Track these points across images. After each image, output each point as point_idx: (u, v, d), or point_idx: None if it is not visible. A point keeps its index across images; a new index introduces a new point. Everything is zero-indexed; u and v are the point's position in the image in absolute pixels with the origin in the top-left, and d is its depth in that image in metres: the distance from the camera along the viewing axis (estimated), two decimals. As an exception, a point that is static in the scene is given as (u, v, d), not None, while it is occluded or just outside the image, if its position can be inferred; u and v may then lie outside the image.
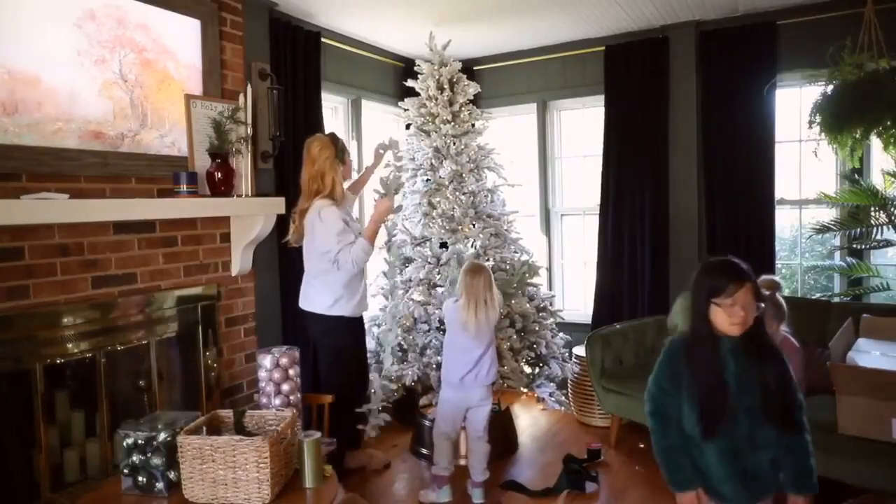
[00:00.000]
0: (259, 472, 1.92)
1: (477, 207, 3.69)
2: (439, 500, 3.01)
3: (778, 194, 3.95)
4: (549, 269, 4.92)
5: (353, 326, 3.18)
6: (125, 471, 2.07)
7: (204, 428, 2.09)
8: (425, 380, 3.45)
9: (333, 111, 4.39)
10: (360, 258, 3.00)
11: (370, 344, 3.54)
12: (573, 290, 5.01)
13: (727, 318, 1.77)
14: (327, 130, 3.89)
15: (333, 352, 3.14)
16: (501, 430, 3.71)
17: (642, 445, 3.68)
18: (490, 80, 4.91)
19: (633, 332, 3.92)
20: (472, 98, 3.84)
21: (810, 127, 3.15)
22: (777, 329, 2.90)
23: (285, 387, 2.81)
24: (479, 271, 2.96)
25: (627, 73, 4.29)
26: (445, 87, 3.70)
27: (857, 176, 3.66)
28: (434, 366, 3.44)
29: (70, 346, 2.51)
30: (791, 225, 4.40)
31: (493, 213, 3.74)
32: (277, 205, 3.13)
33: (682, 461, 1.90)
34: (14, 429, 2.40)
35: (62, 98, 2.44)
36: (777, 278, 3.04)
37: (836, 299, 3.65)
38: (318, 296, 3.10)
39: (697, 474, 1.88)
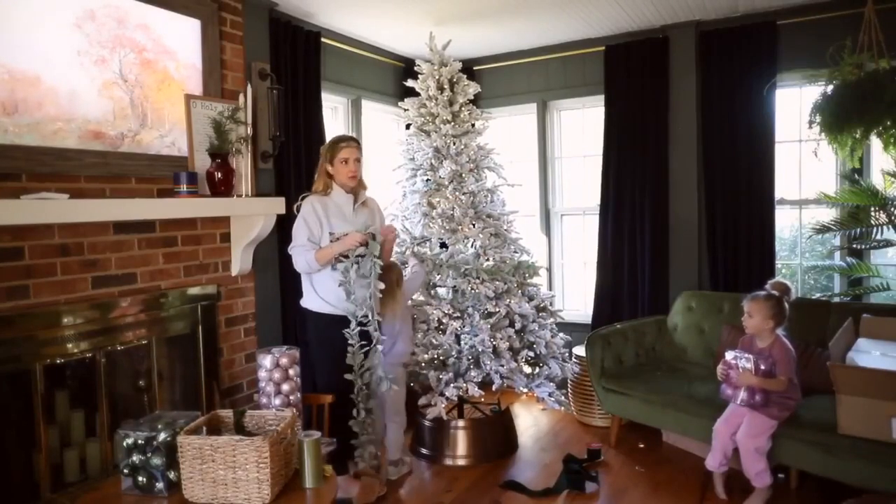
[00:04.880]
0: (259, 472, 1.92)
1: (477, 207, 3.69)
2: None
3: (778, 194, 3.95)
4: (549, 269, 4.92)
5: (337, 323, 2.99)
6: (125, 471, 2.07)
7: (204, 428, 2.09)
8: (424, 379, 3.45)
9: (333, 111, 4.39)
10: (301, 268, 2.97)
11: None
12: (573, 290, 5.00)
13: None
14: (327, 130, 3.90)
15: (321, 350, 3.06)
16: (502, 430, 3.71)
17: (642, 445, 3.67)
18: (490, 80, 4.91)
19: (633, 332, 3.92)
20: (472, 98, 3.83)
21: (810, 127, 3.15)
22: (773, 330, 2.92)
23: (285, 387, 2.81)
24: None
25: (627, 73, 4.29)
26: (445, 87, 3.70)
27: (857, 176, 3.65)
28: (432, 365, 3.45)
29: (70, 346, 2.51)
30: (791, 225, 4.40)
31: (493, 212, 3.73)
32: (277, 205, 3.13)
33: None
34: (14, 429, 2.40)
35: (62, 98, 2.45)
36: (788, 282, 3.05)
37: (836, 299, 3.65)
38: (307, 292, 3.05)
39: None
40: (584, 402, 4.08)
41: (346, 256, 2.91)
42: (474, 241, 3.68)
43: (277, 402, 2.78)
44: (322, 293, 2.98)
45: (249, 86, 3.07)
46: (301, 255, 2.93)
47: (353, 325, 2.89)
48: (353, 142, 3.05)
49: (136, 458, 2.05)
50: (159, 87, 2.83)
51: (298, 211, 3.01)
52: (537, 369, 3.67)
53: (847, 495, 2.73)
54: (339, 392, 2.98)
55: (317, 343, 3.05)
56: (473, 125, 3.78)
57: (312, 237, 2.93)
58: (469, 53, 4.75)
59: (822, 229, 3.66)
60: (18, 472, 2.42)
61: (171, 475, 2.04)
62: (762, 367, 2.83)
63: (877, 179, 3.63)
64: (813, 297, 3.86)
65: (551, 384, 3.62)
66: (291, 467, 2.10)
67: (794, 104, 4.01)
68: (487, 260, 3.65)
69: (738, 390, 2.89)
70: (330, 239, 2.95)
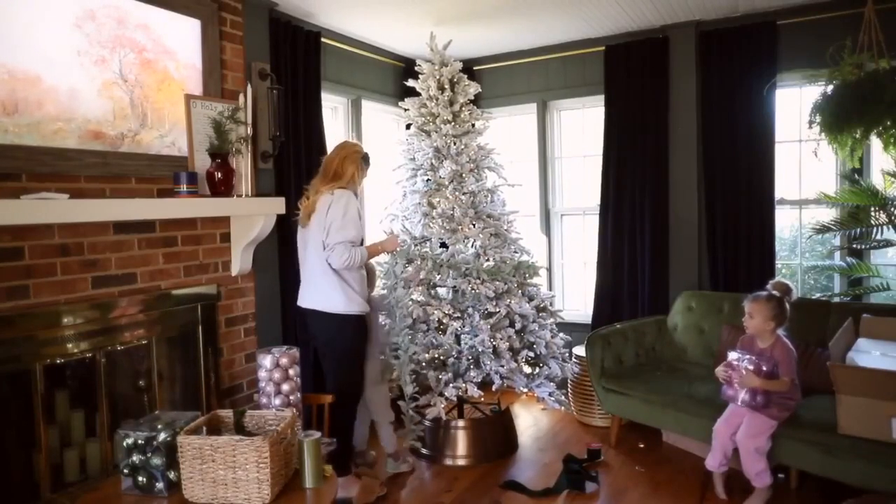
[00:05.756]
0: (259, 472, 1.92)
1: (477, 207, 3.69)
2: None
3: (778, 194, 3.95)
4: (549, 269, 4.92)
5: (364, 324, 3.16)
6: (125, 471, 2.07)
7: (204, 428, 2.09)
8: (422, 379, 3.44)
9: (333, 111, 4.39)
10: (355, 264, 2.96)
11: None
12: (573, 290, 5.00)
13: None
14: (327, 130, 3.91)
15: (348, 353, 3.08)
16: (502, 430, 3.72)
17: (642, 445, 3.68)
18: (490, 80, 4.91)
19: (633, 332, 3.92)
20: (472, 98, 3.83)
21: (810, 127, 3.15)
22: (774, 330, 2.92)
23: (285, 387, 2.82)
24: None
25: (627, 73, 4.29)
26: (446, 86, 3.70)
27: (857, 176, 3.66)
28: (432, 365, 3.46)
29: (70, 346, 2.51)
30: (791, 225, 4.40)
31: (493, 213, 3.73)
32: (277, 205, 3.13)
33: None
34: (14, 429, 2.40)
35: (62, 98, 2.45)
36: (789, 283, 3.06)
37: (836, 299, 3.65)
38: (332, 293, 3.00)
39: None
40: (584, 402, 4.08)
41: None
42: (474, 241, 3.68)
43: (277, 402, 2.78)
44: (361, 293, 3.08)
45: (249, 86, 3.07)
46: (356, 250, 2.95)
47: (399, 322, 3.11)
48: None
49: (136, 458, 2.05)
50: (159, 87, 2.83)
51: (338, 201, 2.97)
52: (537, 369, 3.66)
53: (847, 495, 2.73)
54: (351, 392, 3.02)
55: (351, 344, 3.08)
56: (474, 125, 3.78)
57: (359, 235, 3.02)
58: (469, 53, 4.75)
59: (822, 229, 3.66)
60: (18, 472, 2.42)
61: (171, 475, 2.04)
62: (764, 369, 2.83)
63: (877, 179, 3.63)
64: (813, 297, 3.86)
65: (551, 384, 3.62)
66: (291, 467, 2.10)
67: (794, 104, 4.01)
68: (487, 260, 3.65)
69: (739, 391, 2.89)
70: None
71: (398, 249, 3.39)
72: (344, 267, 2.95)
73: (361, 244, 3.10)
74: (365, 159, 3.17)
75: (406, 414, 3.32)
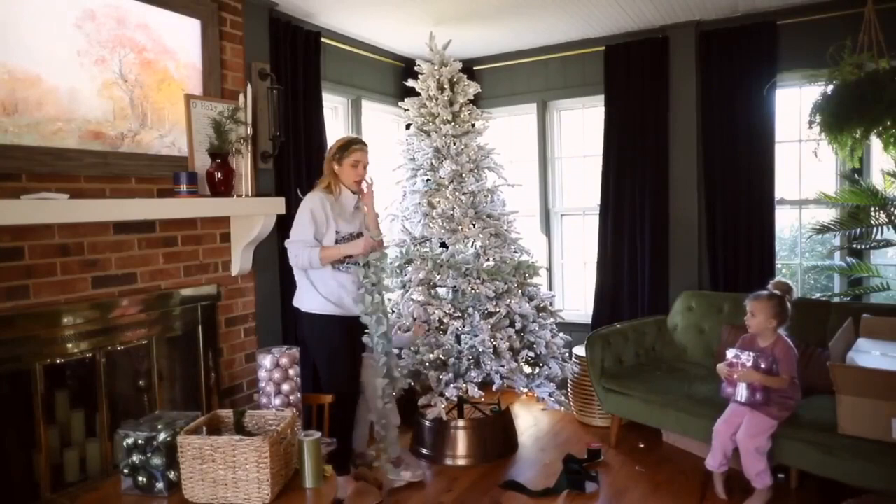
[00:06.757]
0: (259, 472, 1.92)
1: (477, 207, 3.69)
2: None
3: (778, 194, 3.95)
4: (549, 269, 4.92)
5: (331, 325, 2.97)
6: (125, 471, 2.08)
7: (204, 428, 2.09)
8: (424, 379, 3.44)
9: (333, 111, 4.39)
10: (303, 264, 2.86)
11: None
12: (573, 290, 5.00)
13: None
14: (327, 130, 3.91)
15: (318, 351, 3.01)
16: (502, 430, 3.71)
17: (642, 445, 3.68)
18: (490, 80, 4.91)
19: (633, 332, 3.92)
20: (472, 98, 3.83)
21: (810, 127, 3.14)
22: (776, 329, 2.93)
23: (285, 387, 2.82)
24: None
25: (627, 73, 4.29)
26: (446, 87, 3.70)
27: (857, 176, 3.66)
28: (433, 365, 3.46)
29: (70, 346, 2.51)
30: (791, 225, 4.40)
31: (493, 213, 3.73)
32: (277, 205, 3.13)
33: None
34: (14, 429, 2.40)
35: (62, 98, 2.45)
36: (790, 282, 3.06)
37: (836, 299, 3.65)
38: (301, 292, 2.97)
39: None
40: (584, 402, 4.08)
41: (351, 259, 2.91)
42: (474, 241, 3.68)
43: (277, 402, 2.79)
44: (325, 293, 2.92)
45: (249, 86, 3.08)
46: (303, 250, 2.83)
47: (375, 330, 2.93)
48: (364, 146, 3.02)
49: (136, 458, 2.06)
50: (159, 87, 2.83)
51: (303, 202, 2.92)
52: (537, 369, 3.66)
53: (847, 495, 2.73)
54: (340, 393, 2.98)
55: (316, 343, 3.00)
56: (473, 125, 3.78)
57: (317, 234, 2.86)
58: (469, 53, 4.75)
59: (822, 229, 3.66)
60: (18, 472, 2.42)
61: (171, 475, 2.04)
62: (762, 366, 2.83)
63: (877, 179, 3.63)
64: (813, 297, 3.86)
65: (551, 384, 3.62)
66: (291, 467, 2.10)
67: (794, 104, 4.01)
68: (488, 260, 3.65)
69: (738, 388, 2.90)
70: (336, 239, 2.91)
71: (370, 252, 2.94)
72: (296, 266, 2.91)
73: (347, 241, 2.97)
74: (342, 148, 2.97)
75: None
